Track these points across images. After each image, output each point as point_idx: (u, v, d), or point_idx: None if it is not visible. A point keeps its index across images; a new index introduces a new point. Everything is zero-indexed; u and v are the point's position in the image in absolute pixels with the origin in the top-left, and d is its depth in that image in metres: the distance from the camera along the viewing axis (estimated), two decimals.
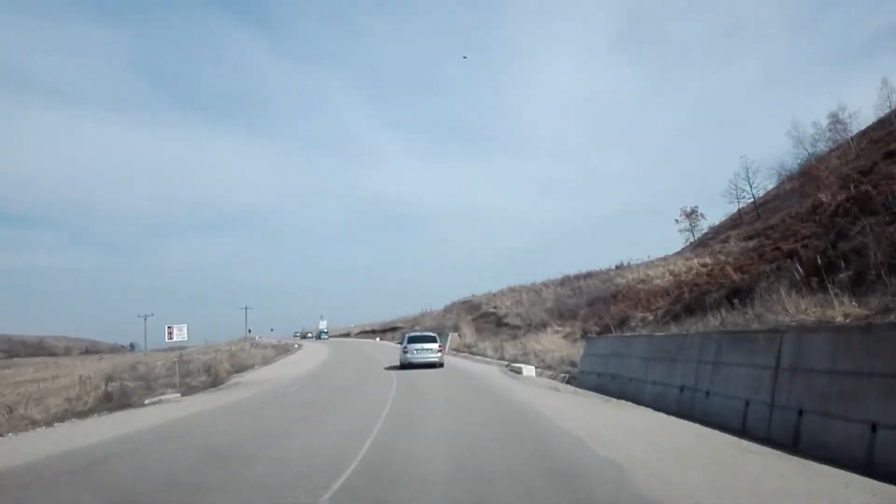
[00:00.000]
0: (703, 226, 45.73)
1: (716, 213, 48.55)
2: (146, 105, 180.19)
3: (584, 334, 26.22)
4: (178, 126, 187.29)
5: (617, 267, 44.02)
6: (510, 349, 26.78)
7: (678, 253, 41.36)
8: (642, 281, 33.60)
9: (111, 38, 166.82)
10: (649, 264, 38.27)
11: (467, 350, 33.91)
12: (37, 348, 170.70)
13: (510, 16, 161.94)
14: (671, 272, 33.15)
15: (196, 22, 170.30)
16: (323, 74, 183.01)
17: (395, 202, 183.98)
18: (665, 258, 39.43)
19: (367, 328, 77.65)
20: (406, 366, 24.06)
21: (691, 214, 45.63)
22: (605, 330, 24.55)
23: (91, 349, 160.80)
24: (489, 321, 38.68)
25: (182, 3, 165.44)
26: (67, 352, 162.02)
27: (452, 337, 37.86)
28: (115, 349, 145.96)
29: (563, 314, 32.73)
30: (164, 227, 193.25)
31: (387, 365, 25.97)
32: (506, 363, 23.63)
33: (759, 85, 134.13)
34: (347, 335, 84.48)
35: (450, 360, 29.03)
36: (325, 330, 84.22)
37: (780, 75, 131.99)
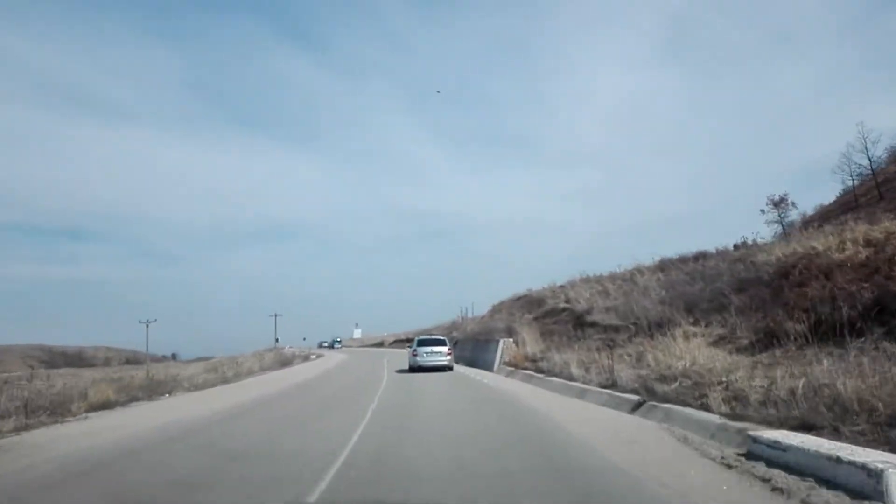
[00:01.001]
0: (793, 215, 39.26)
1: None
2: (199, 122, 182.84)
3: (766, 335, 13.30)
4: (230, 142, 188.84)
5: (736, 246, 31.50)
6: (624, 368, 13.90)
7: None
8: (808, 256, 20.21)
9: (165, 58, 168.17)
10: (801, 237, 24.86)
11: (531, 365, 21.11)
12: (75, 358, 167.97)
13: (555, 25, 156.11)
14: (861, 241, 19.55)
15: (246, 40, 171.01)
16: (369, 89, 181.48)
17: (439, 214, 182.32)
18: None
19: (402, 336, 66.46)
20: (415, 369, 24.28)
21: (780, 203, 39.41)
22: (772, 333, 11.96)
23: (132, 360, 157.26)
24: (561, 320, 25.80)
25: (232, 22, 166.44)
26: (107, 362, 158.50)
27: (505, 345, 25.12)
28: (157, 359, 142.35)
29: (690, 306, 19.61)
30: (215, 239, 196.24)
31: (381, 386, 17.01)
32: (635, 398, 10.76)
33: (812, 91, 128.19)
34: (381, 344, 74.49)
35: (501, 384, 17.03)
36: (339, 339, 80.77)
37: (836, 81, 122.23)
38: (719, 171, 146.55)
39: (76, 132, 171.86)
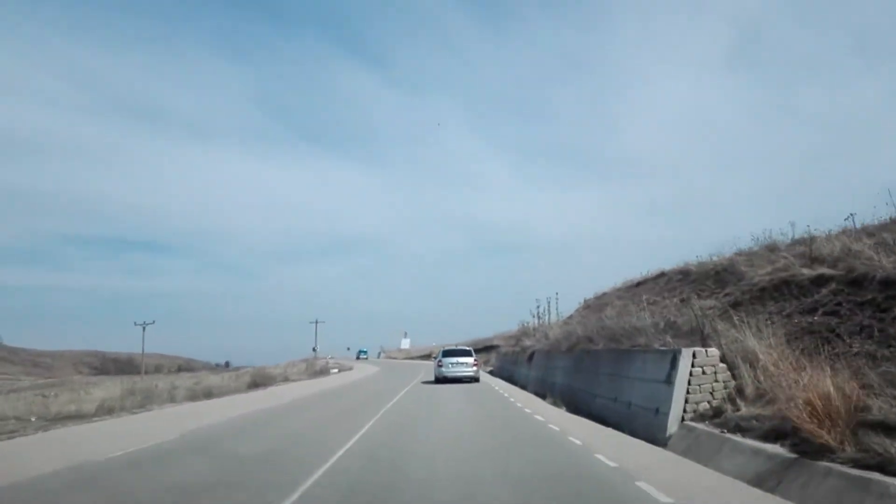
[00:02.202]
0: None
1: None
2: (268, 138, 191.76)
3: None
4: (298, 158, 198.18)
5: None
6: None
7: None
8: None
9: (237, 75, 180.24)
10: None
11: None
12: (126, 365, 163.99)
13: (619, 35, 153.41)
14: None
15: (312, 58, 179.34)
16: (431, 103, 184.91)
17: (500, 226, 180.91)
18: None
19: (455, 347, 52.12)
20: (441, 380, 24.08)
21: None
22: None
23: (185, 367, 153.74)
24: (814, 304, 9.28)
25: (300, 41, 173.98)
26: (158, 369, 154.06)
27: (699, 363, 9.16)
28: (210, 367, 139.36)
29: None
30: (284, 252, 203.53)
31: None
32: None
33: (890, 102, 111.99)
34: (429, 356, 60.92)
35: None
36: (365, 350, 76.67)
37: None
38: (802, 184, 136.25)
39: (154, 148, 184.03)
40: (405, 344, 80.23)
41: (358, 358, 77.87)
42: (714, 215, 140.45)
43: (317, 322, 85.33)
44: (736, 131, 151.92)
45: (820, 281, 10.60)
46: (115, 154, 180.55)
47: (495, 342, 42.45)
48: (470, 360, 24.91)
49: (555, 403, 15.01)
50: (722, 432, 7.58)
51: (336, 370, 42.75)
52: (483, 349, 42.92)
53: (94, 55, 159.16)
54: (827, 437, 5.96)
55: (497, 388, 21.72)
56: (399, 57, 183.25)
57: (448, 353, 25.81)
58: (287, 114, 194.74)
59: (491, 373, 35.18)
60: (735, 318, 10.02)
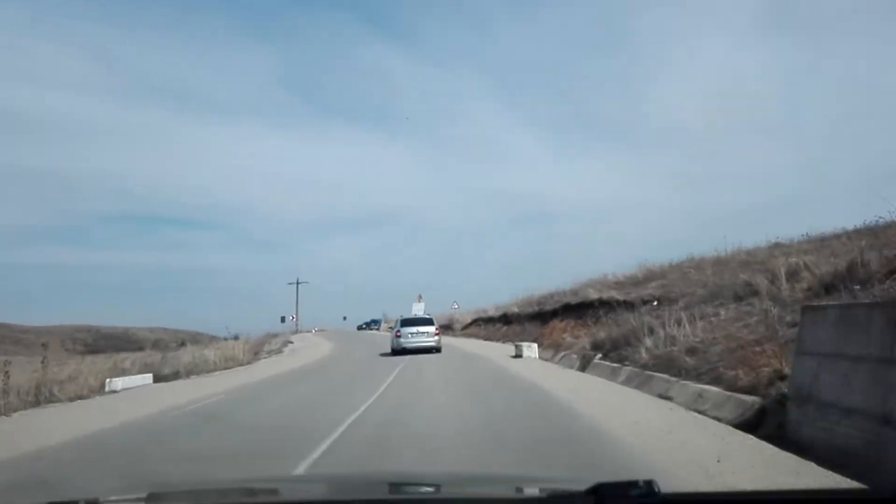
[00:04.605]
0: None
1: None
2: (295, 115, 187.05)
3: None
4: (325, 134, 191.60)
5: None
6: None
7: None
8: None
9: (263, 55, 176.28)
10: None
11: None
12: (122, 340, 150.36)
13: (646, 4, 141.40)
14: None
15: (337, 33, 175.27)
16: (457, 76, 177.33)
17: (528, 197, 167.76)
18: None
19: (485, 315, 33.33)
20: (398, 351, 22.93)
21: None
22: None
23: (191, 340, 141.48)
24: None
25: (324, 17, 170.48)
26: (156, 344, 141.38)
27: None
28: (218, 340, 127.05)
29: None
30: (309, 226, 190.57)
31: None
32: None
33: None
34: (448, 327, 41.02)
35: None
36: (377, 320, 62.56)
37: None
38: (835, 151, 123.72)
39: (184, 129, 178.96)
40: (418, 310, 58.73)
41: (360, 328, 66.68)
42: (748, 182, 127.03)
43: (297, 282, 66.94)
44: (771, 94, 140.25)
45: None
46: (148, 134, 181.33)
47: (549, 304, 28.67)
48: (431, 328, 23.77)
49: None
50: None
51: (284, 351, 25.68)
52: (533, 317, 25.06)
53: (122, 39, 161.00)
54: None
55: None
56: (425, 31, 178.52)
57: (407, 323, 24.30)
58: (312, 91, 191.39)
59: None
60: None
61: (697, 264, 18.40)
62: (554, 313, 22.56)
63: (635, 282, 19.64)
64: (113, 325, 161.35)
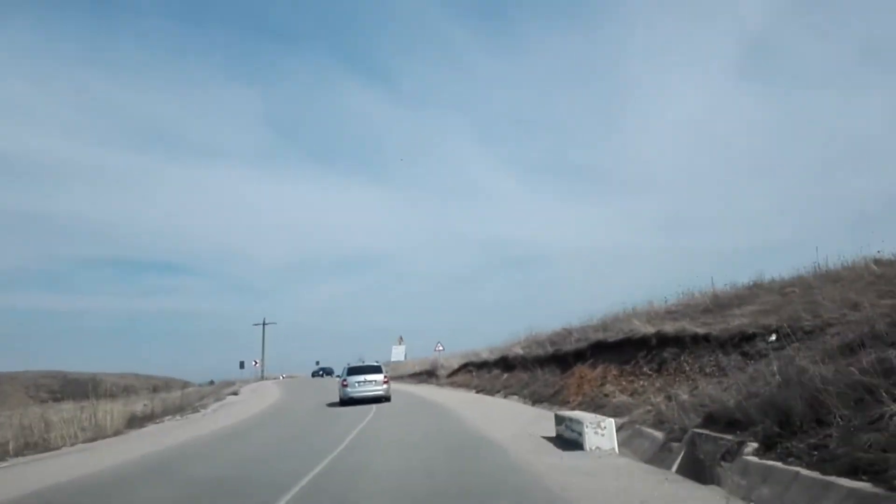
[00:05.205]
0: None
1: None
2: (278, 158, 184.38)
3: None
4: (307, 177, 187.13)
5: None
6: None
7: None
8: None
9: (246, 97, 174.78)
10: None
11: None
12: (87, 387, 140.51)
13: (626, 49, 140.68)
14: None
15: (318, 76, 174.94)
16: (436, 119, 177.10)
17: (508, 242, 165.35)
18: None
19: (477, 358, 25.67)
20: (346, 401, 21.40)
21: None
22: None
23: (161, 387, 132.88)
24: None
25: (305, 60, 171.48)
26: (127, 390, 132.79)
27: None
28: (191, 387, 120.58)
29: None
30: (289, 270, 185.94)
31: None
32: None
33: None
34: (431, 373, 33.02)
35: None
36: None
37: None
38: (815, 196, 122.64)
39: (168, 172, 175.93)
40: (398, 354, 51.49)
41: (315, 376, 63.35)
42: (732, 226, 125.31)
43: (264, 323, 60.18)
44: (748, 143, 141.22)
45: None
46: (130, 178, 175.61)
47: (567, 345, 17.57)
48: (379, 377, 22.27)
49: None
50: None
51: (209, 408, 21.50)
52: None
53: (109, 85, 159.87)
54: None
55: None
56: (405, 73, 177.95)
57: (354, 371, 22.54)
58: (295, 134, 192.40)
59: None
60: None
61: (797, 283, 11.89)
62: (578, 355, 15.57)
63: (703, 309, 12.73)
64: (81, 370, 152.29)
